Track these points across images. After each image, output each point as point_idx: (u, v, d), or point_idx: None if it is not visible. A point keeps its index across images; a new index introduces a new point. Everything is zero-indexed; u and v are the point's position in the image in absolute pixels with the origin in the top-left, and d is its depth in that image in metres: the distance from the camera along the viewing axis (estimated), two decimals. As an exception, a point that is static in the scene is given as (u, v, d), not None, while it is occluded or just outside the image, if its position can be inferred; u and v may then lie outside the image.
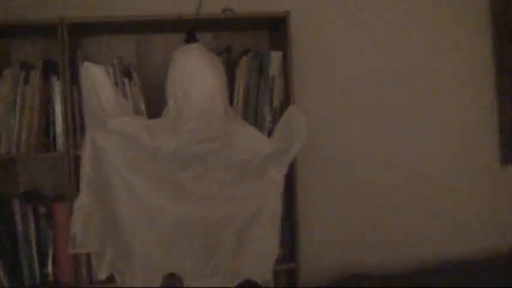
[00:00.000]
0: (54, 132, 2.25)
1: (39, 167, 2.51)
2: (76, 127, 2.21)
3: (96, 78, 2.03)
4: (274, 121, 2.31)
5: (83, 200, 2.02)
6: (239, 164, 2.06)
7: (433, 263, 2.78)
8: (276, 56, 2.34)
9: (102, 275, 2.06)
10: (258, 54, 2.34)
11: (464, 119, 2.86)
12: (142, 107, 2.25)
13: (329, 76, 2.73)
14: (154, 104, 2.27)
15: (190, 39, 2.14)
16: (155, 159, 1.99)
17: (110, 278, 2.13)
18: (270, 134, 2.28)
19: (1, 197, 2.37)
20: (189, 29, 2.15)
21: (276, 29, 2.48)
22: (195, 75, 1.99)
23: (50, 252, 2.29)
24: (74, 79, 2.20)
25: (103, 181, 2.01)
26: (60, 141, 2.24)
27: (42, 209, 2.29)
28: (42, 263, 2.29)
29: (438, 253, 2.83)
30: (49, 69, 2.25)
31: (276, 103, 2.32)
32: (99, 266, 2.06)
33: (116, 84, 2.18)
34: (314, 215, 2.70)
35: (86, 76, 2.04)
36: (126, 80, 2.24)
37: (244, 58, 2.32)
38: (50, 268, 2.30)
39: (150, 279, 2.05)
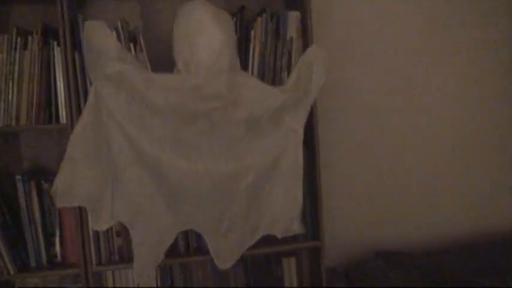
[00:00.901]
0: (56, 103, 2.11)
1: (43, 141, 2.39)
2: (80, 96, 2.08)
3: (97, 31, 1.93)
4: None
5: (67, 160, 1.96)
6: (248, 120, 1.97)
7: (459, 241, 2.69)
8: (293, 16, 2.18)
9: (99, 227, 2.02)
10: (274, 15, 2.18)
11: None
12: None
13: (351, 38, 2.58)
14: (162, 71, 2.08)
15: None
16: (154, 113, 1.90)
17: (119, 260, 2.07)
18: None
19: (3, 173, 2.28)
20: None
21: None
22: (200, 31, 1.89)
23: (57, 232, 2.18)
24: (76, 45, 2.06)
25: (102, 130, 1.94)
26: (63, 112, 2.10)
27: (46, 186, 2.16)
28: (48, 243, 2.18)
29: (464, 231, 2.74)
30: (49, 35, 2.11)
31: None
32: (95, 218, 2.01)
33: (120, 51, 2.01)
34: (336, 188, 2.58)
35: (87, 31, 1.94)
36: (131, 46, 2.10)
37: (259, 19, 2.16)
38: (57, 248, 2.19)
39: (165, 235, 2.02)
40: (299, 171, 2.05)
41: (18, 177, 2.15)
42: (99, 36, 1.92)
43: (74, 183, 1.97)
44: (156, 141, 1.91)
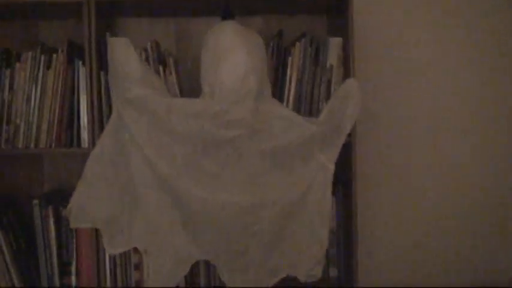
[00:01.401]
0: (79, 125, 2.02)
1: (66, 163, 2.32)
2: (103, 119, 1.98)
3: (122, 50, 1.85)
4: (332, 118, 2.01)
5: (84, 180, 1.90)
6: (274, 151, 1.86)
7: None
8: (335, 42, 2.03)
9: (113, 250, 1.94)
10: (314, 40, 2.04)
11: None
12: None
13: (395, 67, 2.42)
14: (193, 94, 2.00)
15: (226, 15, 1.91)
16: (175, 139, 1.83)
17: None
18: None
19: (22, 195, 2.23)
20: (225, 4, 1.93)
21: (334, 12, 2.18)
22: (228, 53, 1.80)
23: (74, 261, 2.07)
24: (102, 65, 1.96)
25: (122, 152, 1.88)
26: (85, 135, 2.00)
27: (64, 212, 2.04)
28: (63, 272, 2.08)
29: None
30: (74, 53, 2.02)
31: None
32: (109, 241, 1.93)
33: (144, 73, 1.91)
34: (375, 231, 2.42)
35: (112, 49, 1.86)
36: (160, 68, 2.01)
37: (298, 44, 2.02)
38: (73, 279, 2.08)
39: (181, 264, 1.93)
40: (327, 210, 1.91)
41: (35, 201, 2.07)
42: (123, 56, 1.84)
43: (89, 204, 1.91)
44: (176, 167, 1.83)
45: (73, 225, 1.93)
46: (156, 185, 1.86)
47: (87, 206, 1.91)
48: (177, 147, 1.83)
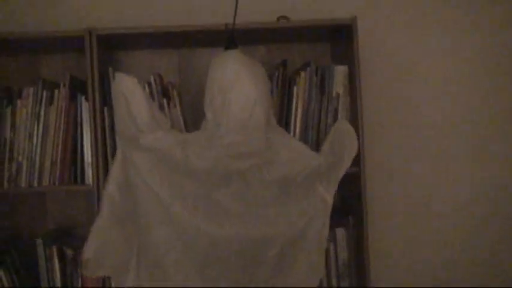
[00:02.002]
0: (82, 161, 1.99)
1: (69, 201, 2.27)
2: (108, 156, 1.94)
3: (129, 90, 1.83)
4: (340, 148, 1.99)
5: (100, 223, 1.86)
6: (282, 181, 1.87)
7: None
8: (340, 70, 2.01)
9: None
10: (319, 69, 2.02)
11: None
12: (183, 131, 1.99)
13: (402, 94, 2.39)
14: (197, 127, 1.95)
15: (230, 45, 1.90)
16: (190, 177, 1.83)
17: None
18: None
19: (25, 234, 2.20)
20: (229, 34, 1.90)
21: (338, 39, 2.16)
22: (234, 83, 1.79)
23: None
24: (105, 100, 1.94)
25: (131, 199, 1.86)
26: (89, 172, 1.97)
27: (69, 252, 2.03)
28: (68, 316, 2.02)
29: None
30: (77, 88, 2.00)
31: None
32: (119, 283, 1.91)
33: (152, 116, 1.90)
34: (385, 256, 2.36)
35: (116, 88, 1.85)
36: (164, 101, 1.98)
37: (303, 73, 2.00)
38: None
39: None
40: (323, 242, 1.93)
41: (39, 240, 2.03)
42: (130, 98, 1.83)
43: (106, 251, 1.88)
44: (185, 202, 1.83)
45: (87, 274, 1.89)
46: (164, 220, 1.83)
47: (104, 254, 1.87)
48: (189, 183, 1.82)
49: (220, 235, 1.83)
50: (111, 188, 1.86)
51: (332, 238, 2.04)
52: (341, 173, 1.90)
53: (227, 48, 1.90)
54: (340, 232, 2.05)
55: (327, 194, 1.90)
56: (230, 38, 1.90)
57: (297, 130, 1.99)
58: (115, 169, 1.86)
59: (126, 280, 1.89)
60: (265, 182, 1.85)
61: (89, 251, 1.85)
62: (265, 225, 1.86)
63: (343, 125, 1.96)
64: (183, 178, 1.82)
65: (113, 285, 1.93)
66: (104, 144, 1.93)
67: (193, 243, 1.84)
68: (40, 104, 1.95)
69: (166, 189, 1.82)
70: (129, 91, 1.83)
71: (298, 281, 1.92)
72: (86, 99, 1.94)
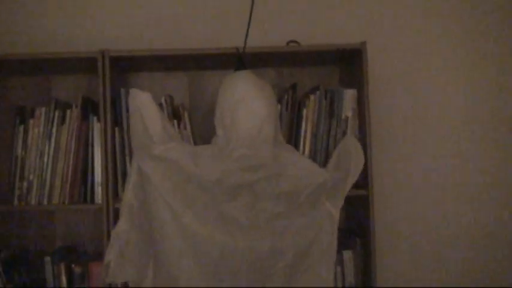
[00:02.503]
0: (92, 181, 2.01)
1: (78, 219, 2.29)
2: (118, 176, 1.97)
3: (143, 104, 1.89)
4: (348, 170, 2.00)
5: (122, 227, 1.90)
6: (289, 195, 1.90)
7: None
8: (349, 94, 2.03)
9: None
10: (328, 92, 2.04)
11: None
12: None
13: (411, 117, 2.40)
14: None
15: (240, 66, 1.95)
16: (200, 188, 1.86)
17: None
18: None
19: (33, 251, 2.20)
20: (238, 56, 1.96)
21: (346, 62, 2.18)
22: (244, 101, 1.86)
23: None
24: (116, 121, 1.97)
25: (146, 208, 1.89)
26: (98, 191, 1.99)
27: (77, 269, 2.04)
28: (75, 333, 2.03)
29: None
30: (89, 109, 2.03)
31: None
32: None
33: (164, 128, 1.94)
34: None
35: (132, 103, 1.90)
36: (175, 122, 2.01)
37: (312, 97, 2.03)
38: None
39: None
40: (332, 255, 1.95)
41: (47, 258, 2.04)
42: (144, 111, 1.89)
43: (126, 255, 1.91)
44: (197, 213, 1.87)
45: (109, 280, 1.91)
46: (177, 233, 1.87)
47: (122, 259, 1.90)
48: (200, 194, 1.86)
49: (231, 246, 1.86)
50: (129, 195, 1.89)
51: (339, 261, 2.04)
52: (347, 187, 1.93)
53: (237, 69, 1.94)
54: (348, 255, 2.05)
55: (333, 209, 1.93)
56: (240, 59, 1.95)
57: (306, 152, 2.01)
58: (132, 179, 1.89)
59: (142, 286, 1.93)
60: (273, 194, 1.88)
61: (110, 254, 1.88)
62: (274, 237, 1.89)
63: (350, 141, 1.99)
64: (194, 189, 1.85)
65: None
66: (114, 164, 1.96)
67: (204, 254, 1.87)
68: (52, 124, 1.98)
69: (177, 199, 1.85)
70: (143, 105, 1.88)
71: None
72: (98, 119, 1.97)
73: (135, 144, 1.90)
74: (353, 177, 1.92)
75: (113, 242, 1.89)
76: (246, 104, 1.85)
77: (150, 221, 1.89)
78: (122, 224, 1.89)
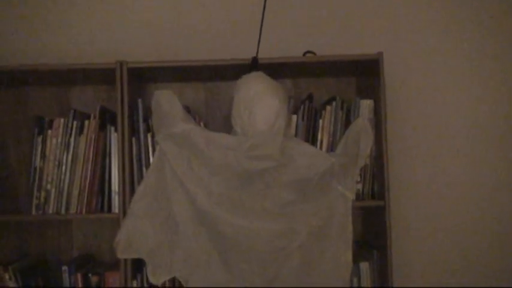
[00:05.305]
0: (110, 190, 2.03)
1: (95, 229, 2.30)
2: (134, 184, 1.98)
3: (166, 100, 1.98)
4: (364, 181, 2.04)
5: (137, 204, 1.95)
6: (298, 183, 1.96)
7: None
8: (365, 104, 2.03)
9: (156, 280, 1.97)
10: (344, 103, 2.04)
11: None
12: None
13: (427, 129, 2.39)
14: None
15: (253, 69, 1.99)
16: (213, 172, 1.94)
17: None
18: (357, 197, 2.02)
19: (51, 261, 2.22)
20: (251, 60, 2.00)
21: (363, 73, 2.19)
22: (260, 98, 1.93)
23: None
24: (134, 130, 1.99)
25: (163, 187, 1.96)
26: (115, 201, 2.01)
27: (94, 278, 2.05)
28: None
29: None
30: (106, 119, 2.05)
31: (367, 160, 2.02)
32: (153, 271, 1.97)
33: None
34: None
35: (156, 100, 1.99)
36: None
37: (329, 107, 2.04)
38: None
39: None
40: (349, 236, 1.98)
41: (64, 267, 2.06)
42: (168, 103, 1.97)
43: (135, 238, 1.95)
44: (214, 198, 1.94)
45: (121, 256, 1.95)
46: (195, 218, 1.94)
47: (133, 240, 1.94)
48: (215, 178, 1.93)
49: (246, 227, 1.93)
50: (141, 188, 1.95)
51: (356, 273, 2.03)
52: (357, 169, 1.98)
53: (251, 70, 1.99)
54: (365, 266, 2.04)
55: (346, 190, 1.96)
56: (253, 62, 1.99)
57: (322, 163, 2.00)
58: (150, 171, 1.96)
59: (160, 268, 1.96)
60: (283, 183, 1.94)
61: (120, 235, 1.93)
62: (288, 220, 1.95)
63: (359, 122, 2.01)
64: (208, 171, 1.93)
65: (147, 270, 1.96)
66: (131, 174, 1.97)
67: (220, 235, 1.94)
68: (70, 134, 2.00)
69: (193, 182, 1.93)
70: (166, 101, 1.97)
71: (327, 278, 1.97)
72: (115, 129, 1.99)
73: (156, 124, 1.96)
74: (362, 158, 1.97)
75: (125, 221, 1.94)
76: (261, 99, 1.92)
77: (168, 202, 1.94)
78: (135, 205, 1.94)
